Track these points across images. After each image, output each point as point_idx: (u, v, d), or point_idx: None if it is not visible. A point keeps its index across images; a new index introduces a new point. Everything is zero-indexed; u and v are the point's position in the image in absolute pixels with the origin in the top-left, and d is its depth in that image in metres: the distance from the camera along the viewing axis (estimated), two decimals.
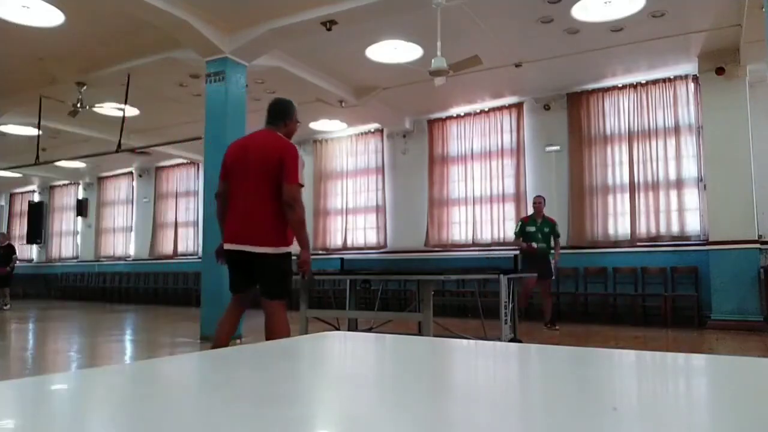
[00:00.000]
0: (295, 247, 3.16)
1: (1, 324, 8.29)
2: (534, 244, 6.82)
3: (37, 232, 15.47)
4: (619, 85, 8.16)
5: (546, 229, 6.96)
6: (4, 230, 15.29)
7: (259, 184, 3.05)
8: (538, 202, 7.08)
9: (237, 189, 3.13)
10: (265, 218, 3.05)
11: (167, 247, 13.23)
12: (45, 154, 10.20)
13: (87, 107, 8.24)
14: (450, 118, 9.60)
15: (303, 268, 3.13)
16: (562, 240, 8.26)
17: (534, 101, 8.84)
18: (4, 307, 10.65)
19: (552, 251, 6.96)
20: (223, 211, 3.22)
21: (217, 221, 3.29)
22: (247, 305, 3.33)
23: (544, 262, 6.74)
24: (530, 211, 7.45)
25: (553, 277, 7.04)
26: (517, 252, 6.57)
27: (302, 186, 3.06)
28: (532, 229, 6.93)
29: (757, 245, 6.79)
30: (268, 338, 3.07)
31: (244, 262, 3.11)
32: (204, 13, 5.94)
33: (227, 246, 3.14)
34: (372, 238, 10.30)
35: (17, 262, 11.54)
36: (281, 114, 3.26)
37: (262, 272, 3.11)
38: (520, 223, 7.16)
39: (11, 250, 11.15)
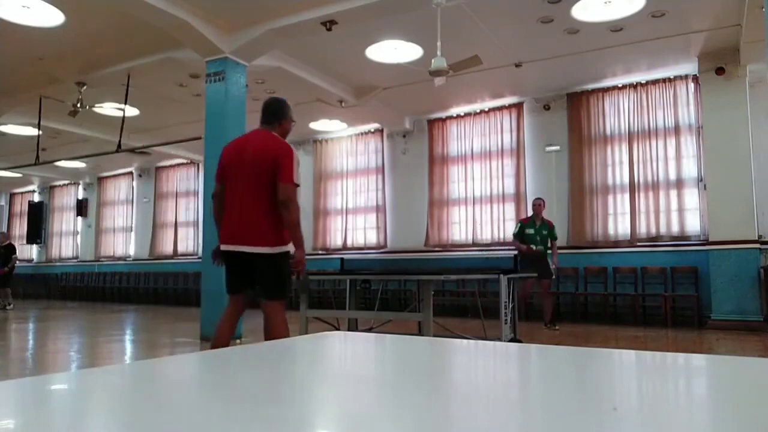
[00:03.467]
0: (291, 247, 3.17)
1: (2, 324, 8.29)
2: (533, 246, 6.86)
3: (37, 232, 15.47)
4: (619, 85, 8.16)
5: (544, 232, 7.00)
6: (5, 230, 15.28)
7: (255, 184, 3.05)
8: (538, 204, 7.11)
9: (233, 190, 3.13)
10: (262, 218, 3.05)
11: (167, 247, 13.23)
12: (45, 154, 10.20)
13: (87, 107, 8.24)
14: (450, 118, 9.60)
15: (297, 267, 3.12)
16: (563, 240, 8.29)
17: (534, 101, 8.84)
18: (7, 307, 10.67)
19: (549, 252, 7.00)
20: (220, 212, 3.22)
21: (214, 222, 3.30)
22: (244, 306, 3.32)
23: (542, 263, 6.78)
24: (530, 211, 7.46)
25: (553, 277, 7.07)
26: (516, 253, 6.57)
27: (297, 186, 3.06)
28: (531, 231, 6.96)
29: (757, 245, 6.79)
30: (267, 339, 3.05)
31: (242, 262, 3.10)
32: (204, 13, 5.94)
33: (224, 247, 3.13)
34: (372, 238, 10.30)
35: (17, 261, 11.54)
36: (276, 113, 3.25)
37: (260, 273, 3.10)
38: (519, 224, 7.17)
39: (11, 249, 11.15)
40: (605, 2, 5.77)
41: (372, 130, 10.43)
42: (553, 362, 0.81)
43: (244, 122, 6.56)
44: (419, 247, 9.64)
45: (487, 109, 9.23)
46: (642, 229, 7.90)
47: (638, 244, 7.90)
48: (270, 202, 3.03)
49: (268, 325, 3.13)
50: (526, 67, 7.47)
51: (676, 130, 7.77)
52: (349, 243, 10.51)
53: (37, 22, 6.15)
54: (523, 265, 6.29)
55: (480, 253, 8.92)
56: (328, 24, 5.79)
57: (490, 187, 9.11)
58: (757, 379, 0.66)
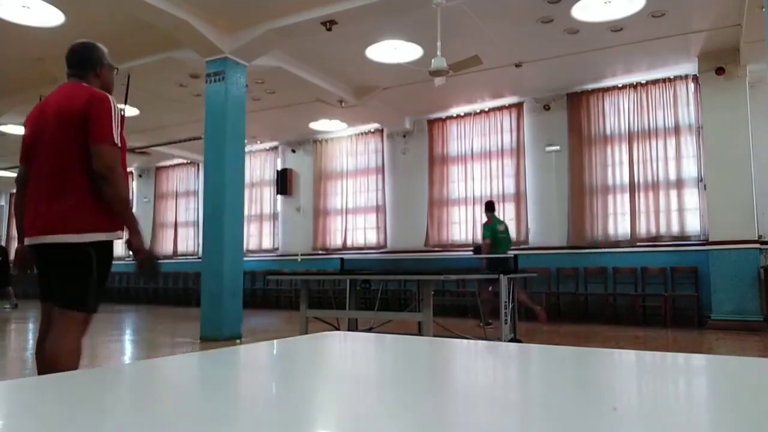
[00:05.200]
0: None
1: (2, 324, 8.29)
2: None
3: None
4: (619, 85, 8.16)
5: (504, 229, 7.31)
6: (5, 230, 15.26)
7: (59, 152, 2.25)
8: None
9: (36, 166, 2.33)
10: (67, 198, 2.22)
11: (167, 247, 13.23)
12: None
13: None
14: (450, 118, 9.60)
15: (138, 256, 2.41)
16: (563, 240, 8.33)
17: (534, 101, 8.84)
18: (7, 307, 10.68)
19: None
20: (22, 199, 2.39)
21: (15, 215, 2.51)
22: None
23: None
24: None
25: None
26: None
27: (119, 147, 2.25)
28: (502, 228, 7.25)
29: (757, 245, 6.79)
30: (40, 368, 2.28)
31: (43, 259, 2.32)
32: (204, 13, 5.94)
33: (26, 241, 2.32)
34: (372, 238, 10.30)
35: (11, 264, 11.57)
36: (88, 60, 2.42)
37: (56, 269, 2.27)
38: (489, 227, 7.20)
39: (2, 250, 11.16)
40: (605, 2, 5.77)
41: (372, 130, 10.43)
42: (553, 362, 0.81)
43: (244, 122, 6.56)
44: (419, 247, 9.64)
45: (487, 109, 9.23)
46: (642, 229, 7.90)
47: (638, 244, 7.90)
48: (82, 176, 2.22)
49: (49, 344, 2.23)
50: (526, 67, 7.47)
51: (676, 130, 7.77)
52: (349, 243, 10.51)
53: (37, 22, 6.15)
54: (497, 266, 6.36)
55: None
56: (328, 24, 5.80)
57: (490, 187, 9.11)
58: (757, 379, 0.66)
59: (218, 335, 5.95)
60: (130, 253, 2.42)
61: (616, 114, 8.21)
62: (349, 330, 5.05)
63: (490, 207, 7.39)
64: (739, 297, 6.74)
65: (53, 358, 2.19)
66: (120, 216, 2.33)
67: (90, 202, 2.24)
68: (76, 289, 2.25)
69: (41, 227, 2.26)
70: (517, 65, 7.39)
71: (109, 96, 2.31)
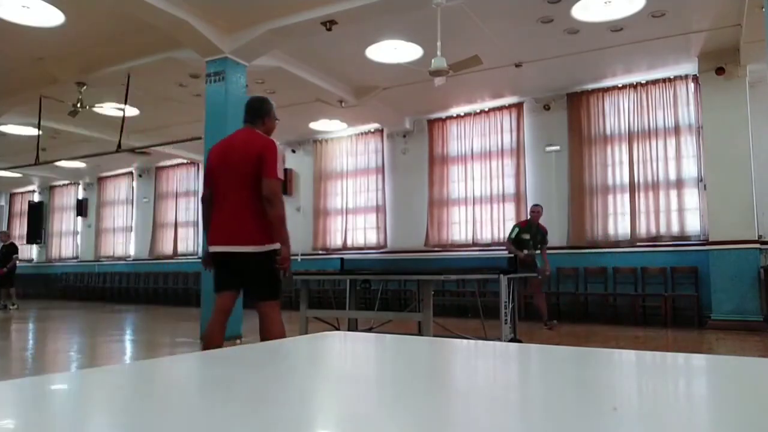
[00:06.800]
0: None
1: (2, 324, 8.29)
2: (525, 251, 6.89)
3: (37, 232, 15.47)
4: (619, 85, 8.16)
5: (538, 237, 7.07)
6: (5, 229, 15.26)
7: (242, 183, 3.00)
8: (536, 211, 7.17)
9: (221, 191, 3.08)
10: (249, 218, 3.00)
11: (167, 247, 13.23)
12: (45, 154, 10.20)
13: (87, 107, 8.24)
14: (450, 118, 9.60)
15: (283, 265, 3.06)
16: (563, 240, 8.33)
17: (534, 101, 8.84)
18: (10, 307, 10.66)
19: (538, 254, 7.09)
20: (208, 215, 3.16)
21: (203, 226, 3.26)
22: (232, 305, 3.26)
23: (533, 265, 6.89)
24: (529, 212, 7.46)
25: (548, 274, 7.25)
26: (512, 256, 6.59)
27: (281, 180, 3.01)
28: (527, 236, 6.99)
29: (757, 245, 6.79)
30: (263, 340, 3.01)
31: (232, 262, 3.06)
32: (204, 13, 5.94)
33: (213, 248, 3.09)
34: (372, 238, 10.30)
35: (18, 261, 11.53)
36: (259, 111, 3.22)
37: (251, 273, 3.05)
38: (517, 228, 7.15)
39: (13, 249, 11.14)
40: (605, 2, 5.77)
41: (372, 130, 10.43)
42: (553, 362, 0.81)
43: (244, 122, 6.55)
44: (419, 247, 9.64)
45: (487, 109, 9.23)
46: (642, 229, 7.90)
47: (638, 244, 7.90)
48: (257, 201, 2.98)
49: (263, 326, 3.07)
50: (526, 67, 7.47)
51: (676, 130, 7.77)
52: (349, 243, 10.51)
53: (37, 22, 6.15)
54: (521, 269, 6.34)
55: (480, 253, 8.93)
56: (328, 24, 5.79)
57: (490, 187, 9.11)
58: (757, 379, 0.66)
59: None
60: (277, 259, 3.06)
61: (616, 114, 8.21)
62: (349, 330, 5.05)
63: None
64: (739, 297, 6.74)
65: (271, 330, 3.02)
66: (277, 231, 3.04)
67: (262, 222, 3.02)
68: (268, 286, 3.09)
69: (229, 239, 3.04)
70: (517, 65, 7.39)
71: (275, 142, 3.08)
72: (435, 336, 3.69)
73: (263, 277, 3.04)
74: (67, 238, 15.52)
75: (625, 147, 8.12)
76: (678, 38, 6.64)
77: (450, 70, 5.22)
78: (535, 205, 7.29)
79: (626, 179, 8.05)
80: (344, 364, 0.89)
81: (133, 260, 13.93)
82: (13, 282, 11.03)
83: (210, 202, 3.15)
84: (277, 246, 3.02)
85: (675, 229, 7.69)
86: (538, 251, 7.06)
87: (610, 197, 8.18)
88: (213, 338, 3.14)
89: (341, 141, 10.80)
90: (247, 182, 2.98)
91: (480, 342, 1.34)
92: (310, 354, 0.91)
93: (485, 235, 9.11)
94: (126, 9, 5.65)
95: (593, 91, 8.36)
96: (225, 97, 6.29)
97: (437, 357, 0.89)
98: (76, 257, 15.13)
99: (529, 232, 7.01)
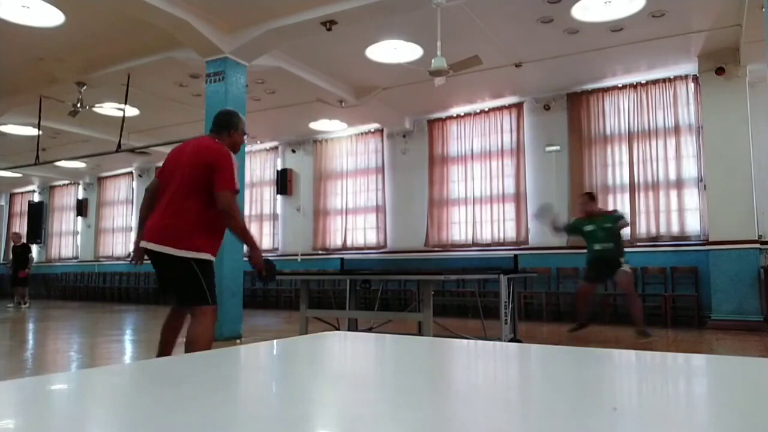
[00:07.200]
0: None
1: (2, 324, 8.29)
2: (595, 245, 5.87)
3: (37, 232, 15.46)
4: (619, 85, 8.16)
5: (608, 225, 5.81)
6: (4, 230, 15.29)
7: (187, 187, 2.94)
8: (581, 202, 6.23)
9: (167, 190, 3.02)
10: (185, 221, 2.91)
11: None
12: (45, 154, 10.20)
13: (87, 107, 8.24)
14: (450, 118, 9.60)
15: (257, 267, 3.11)
16: (562, 241, 8.18)
17: (534, 101, 8.84)
18: (23, 306, 10.77)
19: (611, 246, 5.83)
20: (148, 207, 3.10)
21: (139, 217, 3.19)
22: (182, 311, 3.14)
23: (612, 262, 5.83)
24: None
25: (627, 269, 5.95)
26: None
27: (237, 191, 2.94)
28: (591, 227, 5.87)
29: (757, 245, 6.79)
30: (186, 344, 2.93)
31: (157, 263, 2.98)
32: (204, 13, 5.94)
33: (142, 243, 2.99)
34: (372, 238, 10.30)
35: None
36: (225, 124, 3.17)
37: (172, 276, 2.98)
38: (574, 218, 6.52)
39: (27, 249, 11.26)
40: (605, 2, 5.77)
41: (372, 130, 10.43)
42: (553, 362, 0.81)
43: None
44: (419, 247, 9.64)
45: (487, 109, 9.23)
46: (642, 229, 7.90)
47: (638, 244, 7.89)
48: (199, 208, 2.92)
49: (189, 327, 2.97)
50: (526, 67, 7.47)
51: (676, 130, 7.77)
52: (349, 243, 10.51)
53: (37, 22, 6.15)
54: (590, 271, 6.09)
55: (480, 253, 8.92)
56: (328, 24, 5.79)
57: (490, 187, 9.11)
58: (757, 379, 0.66)
59: (218, 335, 5.90)
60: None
61: (616, 114, 8.21)
62: (349, 330, 5.05)
63: (591, 197, 6.27)
64: (739, 297, 6.73)
65: (193, 339, 2.93)
66: (242, 240, 3.11)
67: (198, 230, 2.96)
68: (190, 291, 2.98)
69: (157, 238, 2.94)
70: (517, 65, 7.39)
71: (230, 152, 3.02)
72: (435, 336, 3.70)
73: (181, 282, 2.95)
74: (67, 238, 15.52)
75: (625, 147, 8.12)
76: (678, 38, 6.64)
77: (450, 70, 5.22)
78: (579, 196, 6.51)
79: (626, 179, 8.05)
80: (344, 364, 0.89)
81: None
82: (26, 282, 11.14)
83: (153, 194, 3.10)
84: (206, 257, 2.94)
85: (675, 229, 7.69)
86: (611, 244, 5.84)
87: (610, 197, 8.17)
88: (163, 346, 3.09)
89: (341, 141, 10.79)
90: (192, 191, 2.92)
91: (480, 342, 1.34)
92: (310, 354, 0.91)
93: (485, 235, 9.11)
94: (126, 9, 5.65)
95: (593, 91, 8.36)
96: (225, 98, 6.29)
97: (437, 357, 0.89)
98: (76, 257, 15.12)
99: (591, 223, 5.91)
